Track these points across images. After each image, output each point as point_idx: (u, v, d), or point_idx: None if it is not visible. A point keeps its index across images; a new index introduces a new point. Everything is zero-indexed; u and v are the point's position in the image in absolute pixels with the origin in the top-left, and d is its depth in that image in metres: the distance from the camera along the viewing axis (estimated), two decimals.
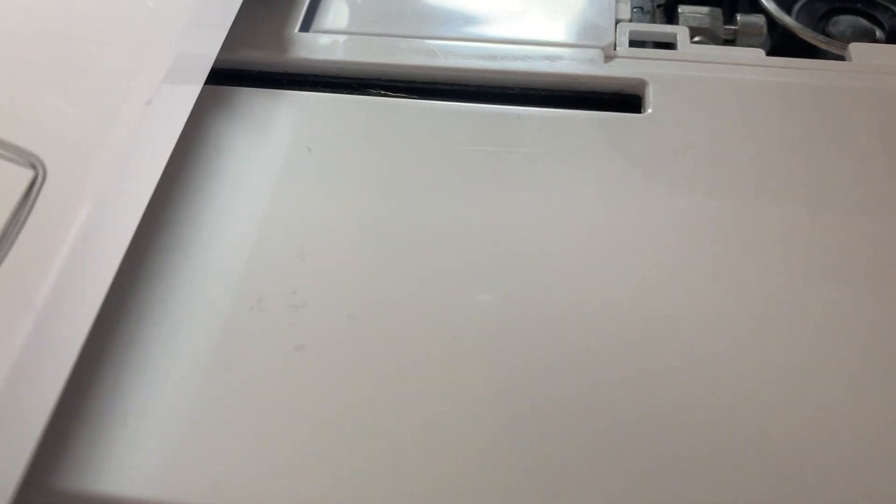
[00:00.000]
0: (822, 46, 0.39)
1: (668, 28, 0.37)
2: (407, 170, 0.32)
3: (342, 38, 0.37)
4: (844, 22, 0.45)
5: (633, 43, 0.37)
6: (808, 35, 0.40)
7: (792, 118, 0.33)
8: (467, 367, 0.26)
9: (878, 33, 0.44)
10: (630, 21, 0.38)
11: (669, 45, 0.37)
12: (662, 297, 0.28)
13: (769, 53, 0.40)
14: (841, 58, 0.38)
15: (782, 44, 0.41)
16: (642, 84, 0.34)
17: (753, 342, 0.26)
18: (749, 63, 0.35)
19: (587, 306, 0.27)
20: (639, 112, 0.34)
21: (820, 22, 0.45)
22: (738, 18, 0.39)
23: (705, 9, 0.39)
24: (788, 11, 0.45)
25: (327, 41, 0.36)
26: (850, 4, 0.45)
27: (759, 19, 0.39)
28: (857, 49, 0.36)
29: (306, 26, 0.37)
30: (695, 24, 0.38)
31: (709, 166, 0.31)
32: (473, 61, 0.35)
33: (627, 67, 0.35)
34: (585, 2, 0.37)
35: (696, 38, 0.38)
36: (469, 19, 0.37)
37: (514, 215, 0.30)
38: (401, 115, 0.34)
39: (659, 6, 0.40)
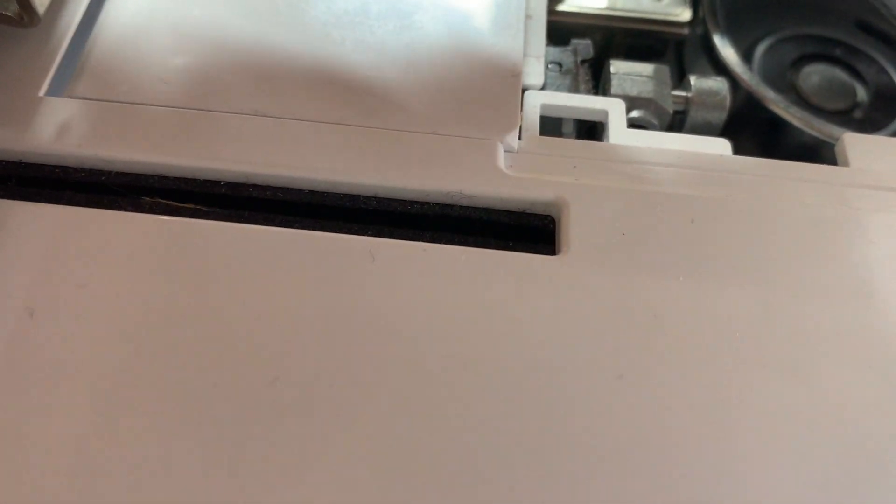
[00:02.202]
0: (797, 124, 0.29)
1: (597, 102, 0.26)
2: (196, 360, 0.20)
3: (110, 108, 0.24)
4: (818, 74, 0.34)
5: (547, 124, 0.26)
6: (780, 108, 0.29)
7: (774, 269, 0.22)
8: None
9: (860, 91, 0.34)
10: (543, 87, 0.27)
11: (597, 128, 0.27)
12: None
13: (728, 122, 0.30)
14: (822, 143, 0.28)
15: (745, 109, 0.30)
16: (557, 205, 0.23)
17: None
18: (709, 168, 0.24)
19: None
20: (551, 249, 0.23)
21: (789, 72, 0.35)
22: (693, 83, 0.28)
23: (648, 67, 0.28)
24: (750, 55, 0.35)
25: (86, 113, 0.24)
26: (824, 50, 0.35)
27: (720, 86, 0.28)
28: (852, 144, 0.26)
29: (58, 87, 0.25)
30: (633, 92, 0.27)
31: (646, 345, 0.20)
32: (307, 159, 0.23)
33: (536, 172, 0.24)
34: (481, 63, 0.26)
35: (635, 113, 0.27)
36: (311, 88, 0.25)
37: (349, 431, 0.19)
38: (192, 245, 0.22)
39: (583, 62, 0.28)
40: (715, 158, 0.25)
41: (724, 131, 0.32)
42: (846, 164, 0.25)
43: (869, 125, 0.33)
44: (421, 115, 0.25)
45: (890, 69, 0.35)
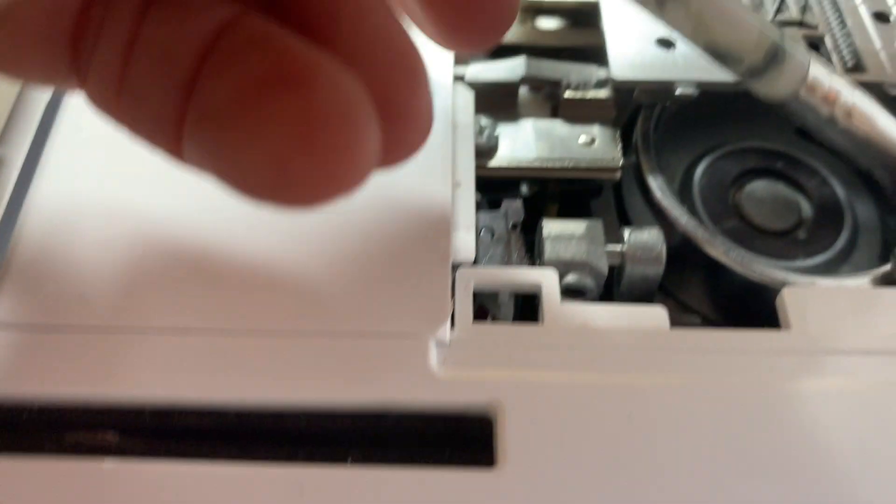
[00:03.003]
0: (737, 269, 0.28)
1: (530, 275, 0.26)
2: None
3: (28, 337, 0.23)
4: (761, 191, 0.34)
5: (483, 302, 0.26)
6: (719, 253, 0.29)
7: (712, 465, 0.22)
8: None
9: (804, 206, 0.34)
10: (476, 261, 0.26)
11: (534, 300, 0.26)
12: None
13: (670, 262, 0.30)
14: (765, 289, 0.28)
15: (685, 251, 0.30)
16: (492, 407, 0.22)
17: None
18: (646, 346, 0.24)
19: None
20: (490, 456, 0.22)
21: (731, 190, 0.34)
22: (627, 238, 0.28)
23: (580, 226, 0.27)
24: (689, 177, 0.34)
25: (2, 345, 0.23)
26: (766, 164, 0.35)
27: (655, 239, 0.28)
28: (792, 301, 0.25)
29: None
30: (566, 256, 0.27)
31: None
32: (229, 379, 0.23)
33: (470, 368, 0.23)
34: (410, 248, 0.25)
35: (571, 278, 0.27)
36: (232, 293, 0.24)
37: None
38: (116, 492, 0.21)
39: (514, 227, 0.28)
40: (652, 335, 0.24)
41: (667, 271, 0.31)
42: (787, 324, 0.25)
43: (814, 246, 0.32)
44: (349, 313, 0.24)
45: (832, 179, 0.34)
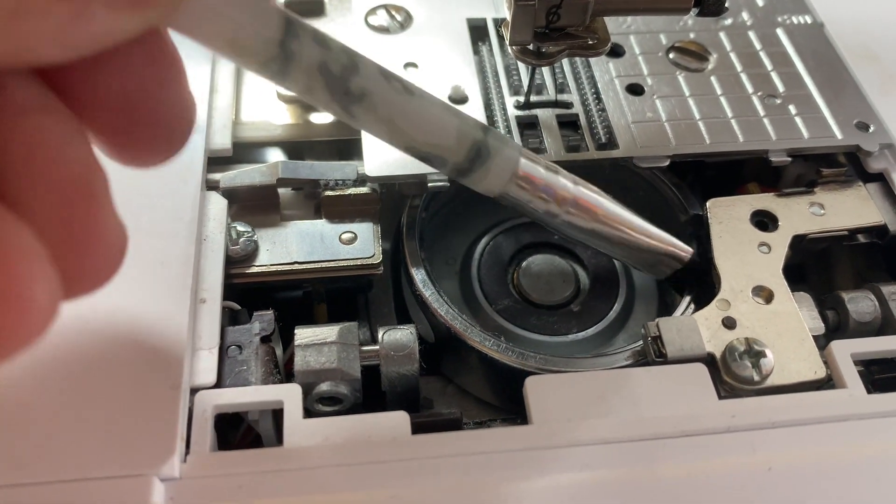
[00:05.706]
0: (498, 358, 0.28)
1: (273, 393, 0.25)
2: None
3: None
4: (538, 266, 0.35)
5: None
6: (479, 344, 0.28)
7: None
8: None
9: (581, 276, 0.35)
10: (219, 383, 0.25)
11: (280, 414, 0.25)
12: None
13: (440, 355, 0.30)
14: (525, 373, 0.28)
15: (452, 343, 0.30)
16: None
17: None
18: (383, 458, 0.23)
19: None
20: None
21: (509, 268, 0.35)
22: (381, 337, 0.28)
23: (332, 331, 0.27)
24: (470, 254, 0.35)
25: None
26: (542, 238, 0.36)
27: (408, 338, 0.27)
28: (534, 390, 0.25)
29: None
30: (317, 365, 0.26)
31: None
32: None
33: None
34: (135, 377, 0.24)
35: (325, 386, 0.26)
36: None
37: None
38: None
39: (264, 339, 0.27)
40: (392, 445, 0.24)
41: (444, 357, 0.31)
42: (530, 417, 0.25)
43: (588, 317, 0.33)
44: (71, 457, 0.23)
45: None
